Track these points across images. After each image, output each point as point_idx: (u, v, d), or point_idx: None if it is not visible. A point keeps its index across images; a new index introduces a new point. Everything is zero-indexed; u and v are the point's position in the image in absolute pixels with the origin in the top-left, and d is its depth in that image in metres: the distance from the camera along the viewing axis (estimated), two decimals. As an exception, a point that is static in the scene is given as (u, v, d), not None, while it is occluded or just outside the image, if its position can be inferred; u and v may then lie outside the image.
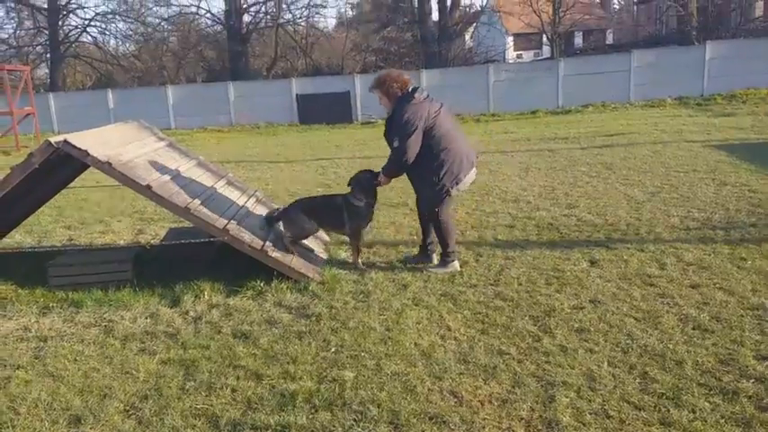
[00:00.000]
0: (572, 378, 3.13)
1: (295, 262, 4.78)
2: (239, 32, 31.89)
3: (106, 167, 4.36)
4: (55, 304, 4.50)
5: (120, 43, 37.50)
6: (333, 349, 3.58)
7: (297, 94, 23.79)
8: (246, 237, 4.69)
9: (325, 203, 5.19)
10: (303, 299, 4.41)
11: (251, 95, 24.37)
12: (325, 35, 37.52)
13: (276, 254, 4.70)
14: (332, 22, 39.16)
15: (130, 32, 36.13)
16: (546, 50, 41.98)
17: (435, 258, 5.06)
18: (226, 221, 4.69)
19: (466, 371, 3.25)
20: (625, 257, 4.99)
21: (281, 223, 5.09)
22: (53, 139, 4.27)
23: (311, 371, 3.33)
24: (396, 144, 4.65)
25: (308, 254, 5.18)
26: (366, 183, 4.96)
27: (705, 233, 5.56)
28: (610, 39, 41.89)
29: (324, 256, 5.43)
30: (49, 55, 34.30)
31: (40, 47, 35.90)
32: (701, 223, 5.90)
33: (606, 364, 3.27)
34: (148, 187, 4.42)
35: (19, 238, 6.64)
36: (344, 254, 5.51)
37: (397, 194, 8.22)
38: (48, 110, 24.40)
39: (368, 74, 26.79)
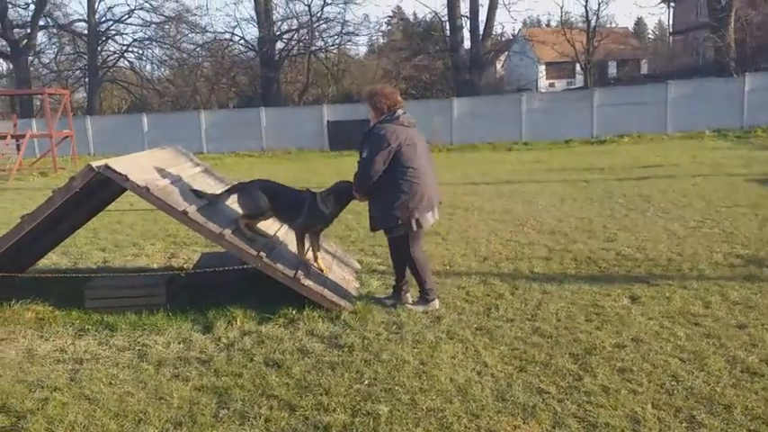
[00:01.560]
0: (615, 420, 3.01)
1: (327, 291, 4.74)
2: (272, 59, 32.55)
3: (144, 192, 4.42)
4: (90, 327, 4.53)
5: (156, 68, 38.67)
6: (366, 382, 3.51)
7: (328, 121, 24.08)
8: (279, 264, 4.68)
9: (288, 192, 4.99)
10: (335, 328, 4.35)
11: (282, 121, 24.75)
12: (356, 62, 38.02)
13: (308, 282, 4.67)
14: (363, 50, 39.69)
15: (166, 58, 37.25)
16: (579, 79, 41.91)
17: (409, 298, 4.81)
18: (259, 248, 4.69)
19: (504, 409, 3.15)
20: (667, 294, 4.83)
21: (235, 199, 4.93)
22: (94, 164, 4.34)
23: (345, 403, 3.26)
24: (364, 155, 4.48)
25: (339, 282, 5.14)
26: (345, 194, 4.80)
27: (751, 271, 5.37)
28: (644, 69, 41.63)
29: (356, 284, 5.39)
30: (87, 79, 35.46)
31: (79, 71, 37.21)
32: (746, 260, 5.70)
33: (650, 405, 3.14)
34: (184, 213, 4.45)
35: (56, 258, 6.76)
36: (376, 282, 5.46)
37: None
38: (85, 133, 25.14)
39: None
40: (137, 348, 4.17)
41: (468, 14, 30.58)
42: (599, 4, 29.78)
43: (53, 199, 4.37)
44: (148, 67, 38.35)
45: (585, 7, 29.77)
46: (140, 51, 36.69)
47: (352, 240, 7.40)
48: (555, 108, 23.11)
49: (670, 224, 7.42)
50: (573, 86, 39.44)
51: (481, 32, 30.38)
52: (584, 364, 3.65)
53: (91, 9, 33.38)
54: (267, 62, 32.35)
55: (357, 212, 9.35)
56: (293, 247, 5.21)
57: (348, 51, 37.38)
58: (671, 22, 40.69)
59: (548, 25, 41.44)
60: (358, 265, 6.03)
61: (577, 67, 40.63)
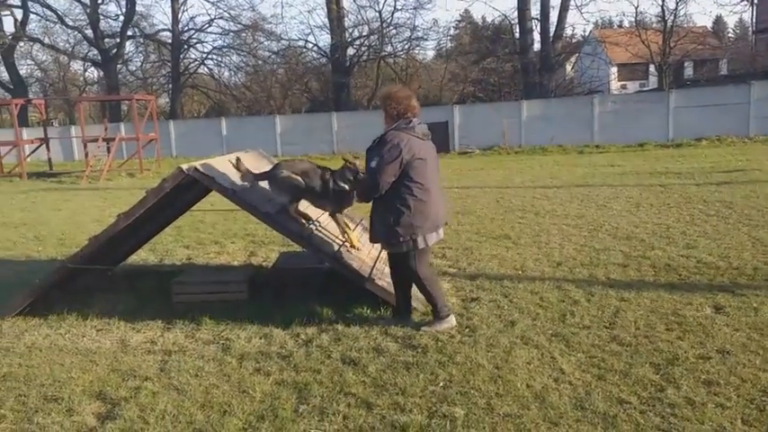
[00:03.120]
0: (701, 435, 2.91)
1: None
2: (343, 65, 33.10)
3: (230, 194, 4.64)
4: (178, 320, 4.80)
5: (233, 74, 40.11)
6: (441, 383, 3.55)
7: (396, 124, 24.23)
8: (355, 264, 4.80)
9: (314, 169, 4.82)
10: (408, 329, 4.42)
11: (353, 125, 25.14)
12: (423, 66, 38.07)
13: (382, 282, 4.76)
14: (431, 54, 39.64)
15: (242, 65, 38.58)
16: (652, 81, 40.24)
17: (414, 318, 4.54)
18: (336, 248, 4.83)
19: (583, 418, 3.11)
20: (754, 305, 4.60)
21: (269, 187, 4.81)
22: (184, 166, 4.60)
23: (420, 404, 3.32)
24: (372, 163, 4.20)
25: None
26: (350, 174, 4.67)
27: None
28: (724, 69, 39.47)
29: (428, 287, 5.43)
30: (170, 85, 37.28)
31: (162, 78, 39.18)
32: None
33: (740, 421, 3.01)
34: (267, 214, 4.64)
35: (144, 255, 7.17)
36: (447, 285, 5.48)
37: (498, 227, 8.13)
38: (168, 136, 26.45)
39: (466, 105, 26.93)
40: (220, 342, 4.38)
41: (538, 17, 30.05)
42: (677, 3, 28.00)
43: (146, 199, 4.66)
44: (226, 73, 39.90)
45: (662, 7, 28.51)
46: (219, 58, 38.22)
47: (423, 243, 7.43)
48: (628, 110, 22.30)
49: (755, 231, 7.04)
50: (645, 88, 37.95)
51: (552, 34, 29.75)
52: (666, 374, 3.54)
53: (175, 19, 35.08)
54: (338, 68, 32.93)
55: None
56: (364, 248, 5.33)
57: (416, 56, 37.51)
58: (754, 20, 38.30)
59: (620, 26, 39.95)
60: (429, 268, 6.08)
61: (651, 68, 39.08)
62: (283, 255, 6.05)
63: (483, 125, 22.94)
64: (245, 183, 4.87)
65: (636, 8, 36.40)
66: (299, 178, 4.77)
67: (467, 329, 4.37)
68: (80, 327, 4.76)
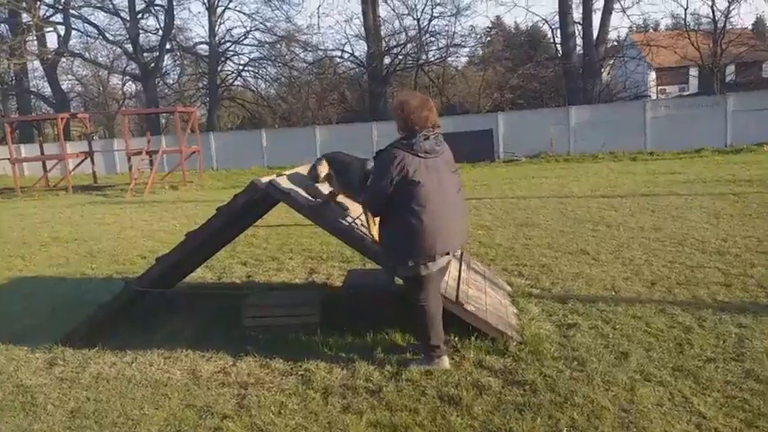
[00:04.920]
0: None
1: (491, 317, 4.37)
2: (380, 74, 32.85)
3: (306, 210, 4.28)
4: (250, 346, 4.44)
5: (269, 86, 40.23)
6: (565, 430, 3.09)
7: (438, 133, 23.81)
8: (441, 286, 4.37)
9: (351, 160, 4.44)
10: (505, 361, 3.96)
11: (392, 134, 24.65)
12: (459, 73, 37.55)
13: (471, 307, 4.33)
14: (463, 60, 39.00)
15: (278, 76, 38.66)
16: (693, 84, 38.93)
17: (446, 361, 3.93)
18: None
19: (751, 478, 2.61)
20: None
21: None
22: (260, 181, 4.26)
23: (546, 455, 2.87)
24: (369, 180, 3.88)
25: (498, 308, 4.76)
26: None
27: None
28: (767, 72, 37.99)
29: (514, 309, 4.97)
30: (207, 98, 37.58)
31: (199, 90, 39.55)
32: None
33: None
34: (349, 230, 4.26)
35: (200, 272, 6.88)
36: (536, 308, 5.01)
37: (571, 240, 7.61)
38: (208, 148, 26.52)
39: (510, 112, 26.33)
40: (299, 373, 4.00)
41: (580, 20, 29.27)
42: (729, 3, 26.88)
43: (217, 216, 4.33)
44: (262, 84, 40.05)
45: (712, 8, 27.49)
46: (255, 70, 38.41)
47: (491, 258, 6.97)
48: (681, 115, 21.40)
49: None
50: (686, 92, 36.73)
51: (595, 38, 28.95)
52: (832, 422, 3.02)
53: (212, 32, 35.41)
54: (375, 77, 32.70)
55: (487, 227, 8.97)
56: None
57: (452, 63, 37.03)
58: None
59: (655, 29, 38.60)
60: (509, 288, 5.62)
61: (691, 71, 37.76)
62: (352, 272, 5.65)
63: (528, 132, 22.31)
64: (319, 198, 4.50)
65: (685, 9, 35.02)
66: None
67: (575, 362, 3.89)
68: (146, 354, 4.44)
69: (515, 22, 51.03)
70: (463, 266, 5.24)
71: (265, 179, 4.30)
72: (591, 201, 10.93)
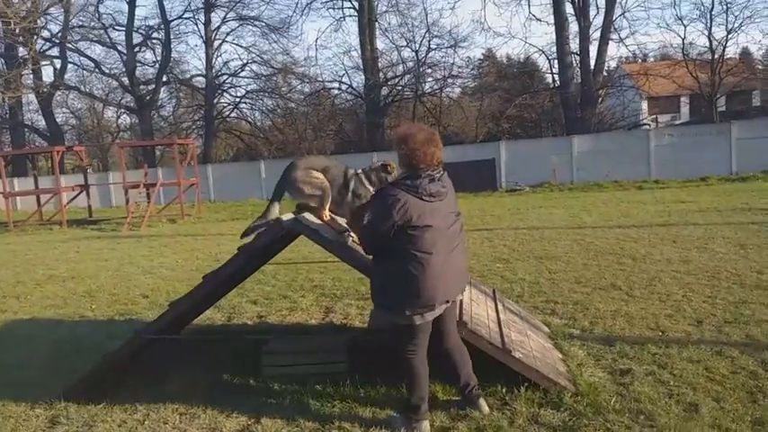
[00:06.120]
0: None
1: (540, 365, 3.98)
2: (378, 105, 32.84)
3: (335, 246, 3.92)
4: (272, 400, 4.02)
5: (265, 117, 40.12)
6: (653, 503, 2.68)
7: (439, 163, 23.63)
8: (483, 331, 3.99)
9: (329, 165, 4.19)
10: (563, 416, 3.56)
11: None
12: (456, 103, 37.60)
13: (518, 354, 3.94)
14: (457, 91, 38.97)
15: (274, 107, 38.62)
16: (684, 113, 39.13)
17: (483, 404, 3.68)
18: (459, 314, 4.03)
19: None
20: None
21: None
22: (283, 219, 3.90)
23: None
24: (364, 220, 3.45)
25: (544, 353, 4.37)
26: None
27: None
28: (756, 100, 38.38)
29: (558, 354, 4.58)
30: (203, 130, 37.39)
31: (194, 122, 39.37)
32: None
33: None
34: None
35: (209, 313, 6.45)
36: (581, 352, 4.62)
37: (598, 274, 7.26)
38: (206, 180, 26.18)
39: (512, 141, 26.22)
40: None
41: (577, 51, 29.45)
42: (727, 33, 27.05)
43: (238, 256, 3.96)
44: (258, 115, 39.94)
45: (709, 38, 27.70)
46: (252, 102, 38.36)
47: (518, 294, 6.59)
48: (685, 143, 21.33)
49: None
50: (678, 121, 36.96)
51: (592, 68, 29.08)
52: None
53: (209, 65, 35.41)
54: (373, 108, 32.67)
55: (505, 260, 8.61)
56: (481, 310, 4.53)
57: (448, 94, 37.08)
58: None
59: (643, 60, 38.87)
60: (546, 329, 5.23)
61: (682, 100, 37.96)
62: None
63: (530, 162, 22.14)
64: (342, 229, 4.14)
65: (683, 39, 35.19)
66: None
67: (641, 416, 3.49)
68: (159, 410, 4.00)
69: (507, 55, 51.35)
70: (500, 306, 4.86)
71: (287, 217, 3.95)
72: (607, 231, 10.61)
